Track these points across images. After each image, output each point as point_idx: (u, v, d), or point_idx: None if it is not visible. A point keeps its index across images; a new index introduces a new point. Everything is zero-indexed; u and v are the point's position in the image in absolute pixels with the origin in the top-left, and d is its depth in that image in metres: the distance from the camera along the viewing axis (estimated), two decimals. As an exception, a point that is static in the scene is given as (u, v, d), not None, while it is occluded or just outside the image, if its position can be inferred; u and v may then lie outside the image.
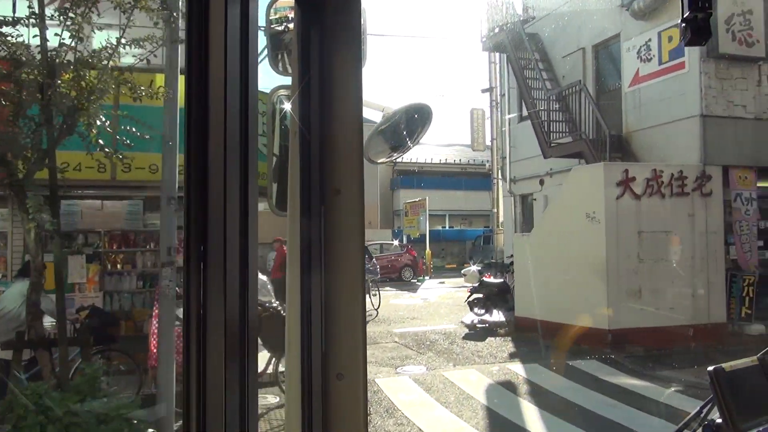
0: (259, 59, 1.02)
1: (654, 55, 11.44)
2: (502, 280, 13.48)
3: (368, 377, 1.05)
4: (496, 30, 15.09)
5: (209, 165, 0.86)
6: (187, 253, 0.85)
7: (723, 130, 10.69)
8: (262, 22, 1.34)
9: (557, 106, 12.96)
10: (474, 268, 14.67)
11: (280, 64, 1.31)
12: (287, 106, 1.18)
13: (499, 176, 17.15)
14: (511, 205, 16.46)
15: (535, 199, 15.10)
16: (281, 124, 1.24)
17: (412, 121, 1.74)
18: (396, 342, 11.07)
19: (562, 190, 11.71)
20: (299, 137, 1.02)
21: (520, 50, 14.05)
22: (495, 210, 17.71)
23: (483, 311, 12.98)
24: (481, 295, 12.97)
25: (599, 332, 9.66)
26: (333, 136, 1.01)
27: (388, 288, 20.64)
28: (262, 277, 7.47)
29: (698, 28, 1.11)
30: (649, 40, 11.47)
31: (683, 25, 1.17)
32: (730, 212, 10.77)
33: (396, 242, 25.66)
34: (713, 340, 9.82)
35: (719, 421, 1.74)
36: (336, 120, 1.01)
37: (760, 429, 1.71)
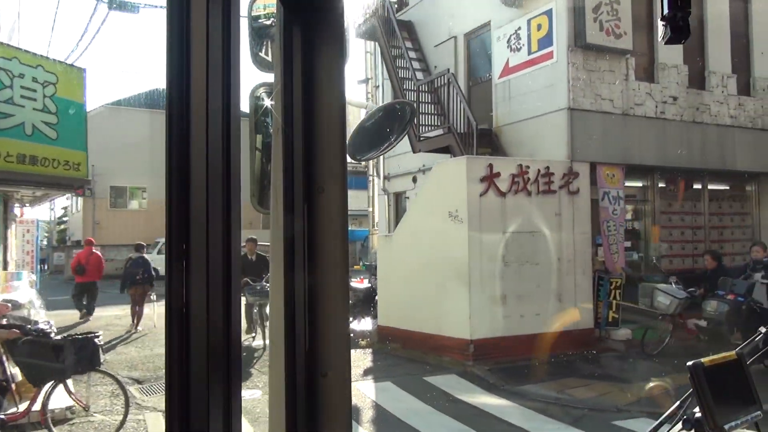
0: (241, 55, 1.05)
1: (523, 45, 11.43)
2: (369, 285, 12.47)
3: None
4: (369, 16, 14.09)
5: (191, 162, 0.86)
6: (169, 251, 0.85)
7: (590, 125, 10.74)
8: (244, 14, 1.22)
9: (428, 97, 12.20)
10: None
11: (263, 61, 1.30)
12: (269, 103, 1.18)
13: (374, 173, 16.18)
14: (385, 204, 15.57)
15: (408, 198, 14.35)
16: (263, 121, 1.26)
17: (396, 118, 1.78)
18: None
19: (425, 187, 11.10)
20: (282, 135, 1.04)
21: (392, 38, 13.35)
22: (370, 209, 16.72)
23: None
24: (345, 302, 11.90)
25: (461, 343, 9.02)
26: (316, 133, 1.03)
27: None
28: (30, 291, 5.91)
29: (678, 27, 1.15)
30: (519, 28, 11.52)
31: (663, 23, 1.18)
32: (598, 211, 10.90)
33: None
34: (580, 347, 9.57)
35: (698, 415, 1.79)
36: (319, 117, 1.03)
37: (738, 422, 1.78)
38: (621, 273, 10.54)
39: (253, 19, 1.28)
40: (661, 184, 12.08)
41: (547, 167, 9.96)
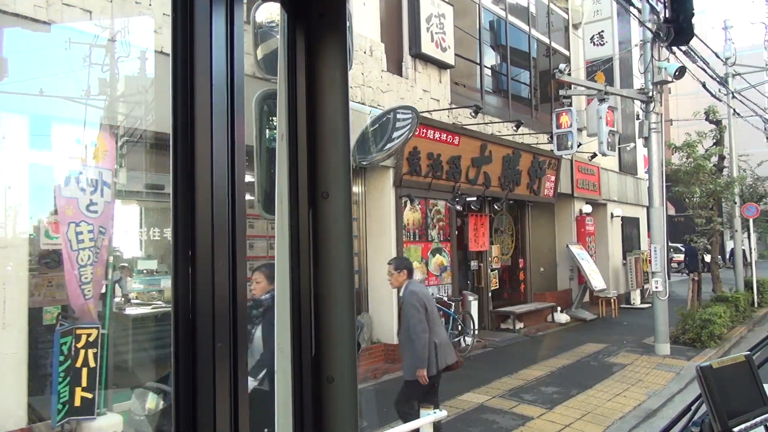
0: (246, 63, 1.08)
1: None
2: None
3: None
4: None
5: (196, 168, 0.95)
6: (175, 258, 0.94)
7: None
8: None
9: None
10: None
11: (266, 67, 1.53)
12: (274, 110, 1.23)
13: None
14: None
15: None
16: (267, 127, 1.42)
17: (398, 123, 2.35)
18: None
19: None
20: (286, 140, 1.13)
21: None
22: None
23: None
24: None
25: None
26: (320, 139, 1.13)
27: None
28: None
29: (681, 30, 1.31)
30: None
31: (666, 26, 1.34)
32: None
33: None
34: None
35: (707, 419, 1.92)
36: (323, 123, 1.13)
37: (748, 425, 1.89)
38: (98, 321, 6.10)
39: (257, 26, 1.36)
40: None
41: None
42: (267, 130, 1.39)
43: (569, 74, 12.87)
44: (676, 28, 1.31)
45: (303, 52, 1.13)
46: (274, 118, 1.24)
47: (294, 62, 1.13)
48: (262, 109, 1.37)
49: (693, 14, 1.31)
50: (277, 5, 1.14)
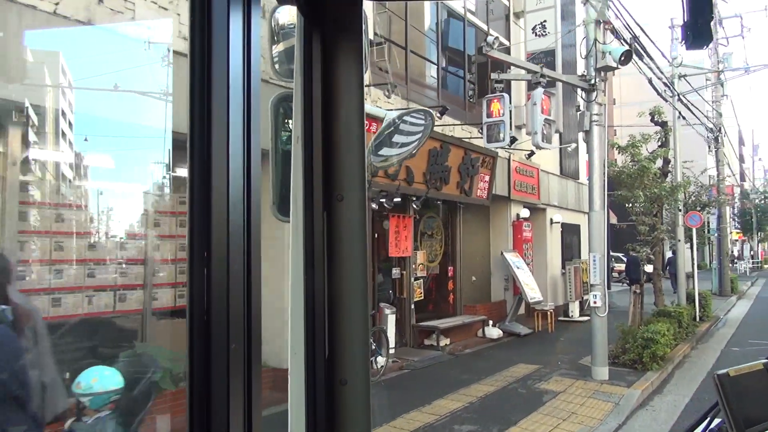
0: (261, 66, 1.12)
1: None
2: None
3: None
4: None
5: (212, 169, 0.99)
6: (190, 258, 0.98)
7: None
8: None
9: None
10: None
11: (282, 70, 1.49)
12: (290, 113, 1.33)
13: None
14: None
15: None
16: (283, 130, 1.43)
17: (415, 125, 1.99)
18: None
19: None
20: (302, 143, 1.18)
21: None
22: None
23: None
24: None
25: None
26: (336, 142, 1.18)
27: None
28: None
29: (699, 33, 1.32)
30: None
31: (685, 29, 1.34)
32: None
33: None
34: None
35: (724, 426, 1.98)
36: (338, 126, 1.19)
37: None
38: None
39: (273, 29, 1.43)
40: None
41: None
42: (283, 133, 1.43)
43: (507, 51, 11.93)
44: (695, 31, 1.33)
45: (319, 56, 1.18)
46: (289, 121, 1.35)
47: (310, 65, 1.18)
48: (278, 111, 1.43)
49: (712, 18, 1.34)
50: (294, 9, 1.17)
